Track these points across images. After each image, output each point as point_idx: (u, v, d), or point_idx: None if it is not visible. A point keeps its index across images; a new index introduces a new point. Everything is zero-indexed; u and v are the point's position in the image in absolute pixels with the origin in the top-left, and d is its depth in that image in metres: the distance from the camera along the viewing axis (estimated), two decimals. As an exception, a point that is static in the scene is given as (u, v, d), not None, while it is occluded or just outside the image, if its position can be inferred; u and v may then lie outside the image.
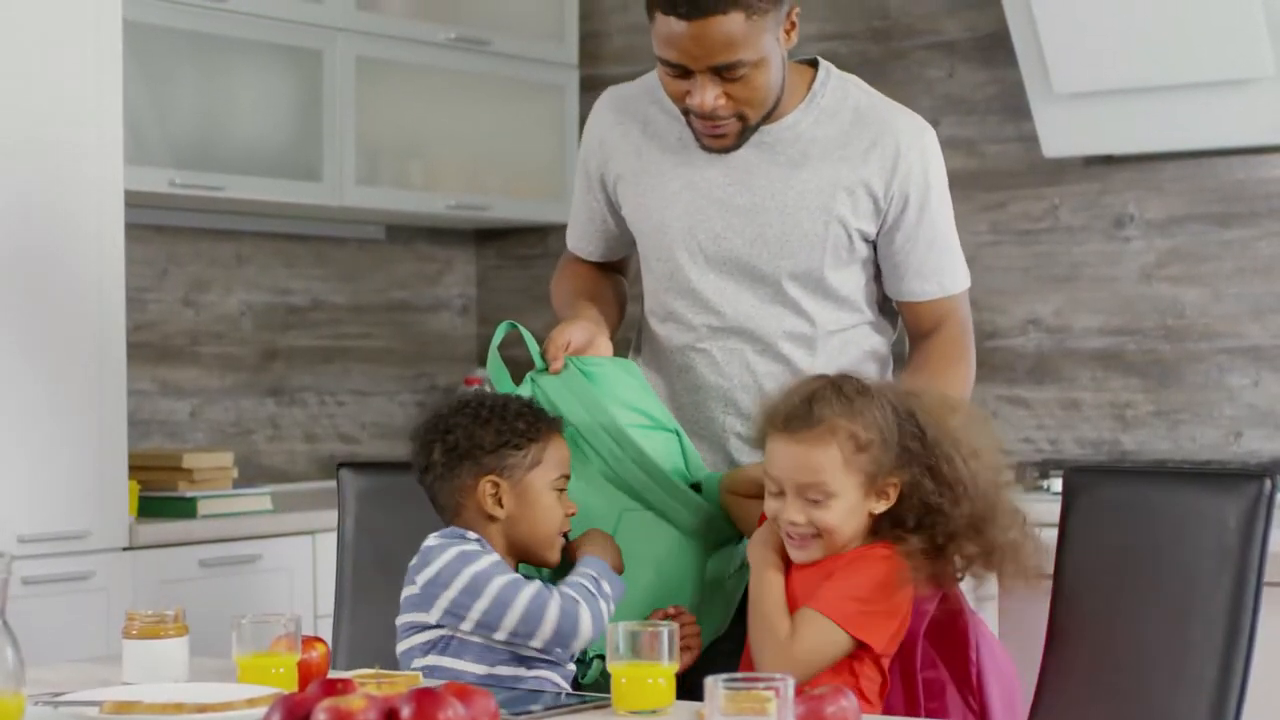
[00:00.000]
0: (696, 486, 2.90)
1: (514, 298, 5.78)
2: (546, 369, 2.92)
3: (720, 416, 3.01)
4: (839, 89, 3.00)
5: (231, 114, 4.78)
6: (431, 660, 2.69)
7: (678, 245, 3.00)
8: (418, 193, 5.20)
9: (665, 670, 2.35)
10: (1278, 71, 4.57)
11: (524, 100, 5.45)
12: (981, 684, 2.76)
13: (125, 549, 4.16)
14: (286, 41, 4.85)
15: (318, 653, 2.63)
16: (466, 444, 2.76)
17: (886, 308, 3.08)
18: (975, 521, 2.68)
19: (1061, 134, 4.92)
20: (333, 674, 2.59)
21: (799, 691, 2.12)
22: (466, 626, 2.67)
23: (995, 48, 5.14)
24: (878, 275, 3.04)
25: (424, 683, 2.39)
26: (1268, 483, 2.63)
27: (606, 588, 2.70)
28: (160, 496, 4.40)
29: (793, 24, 2.89)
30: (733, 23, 2.78)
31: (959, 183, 5.24)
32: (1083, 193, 5.07)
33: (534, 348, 2.95)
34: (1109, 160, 5.03)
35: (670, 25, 2.81)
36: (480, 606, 2.65)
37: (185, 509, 4.38)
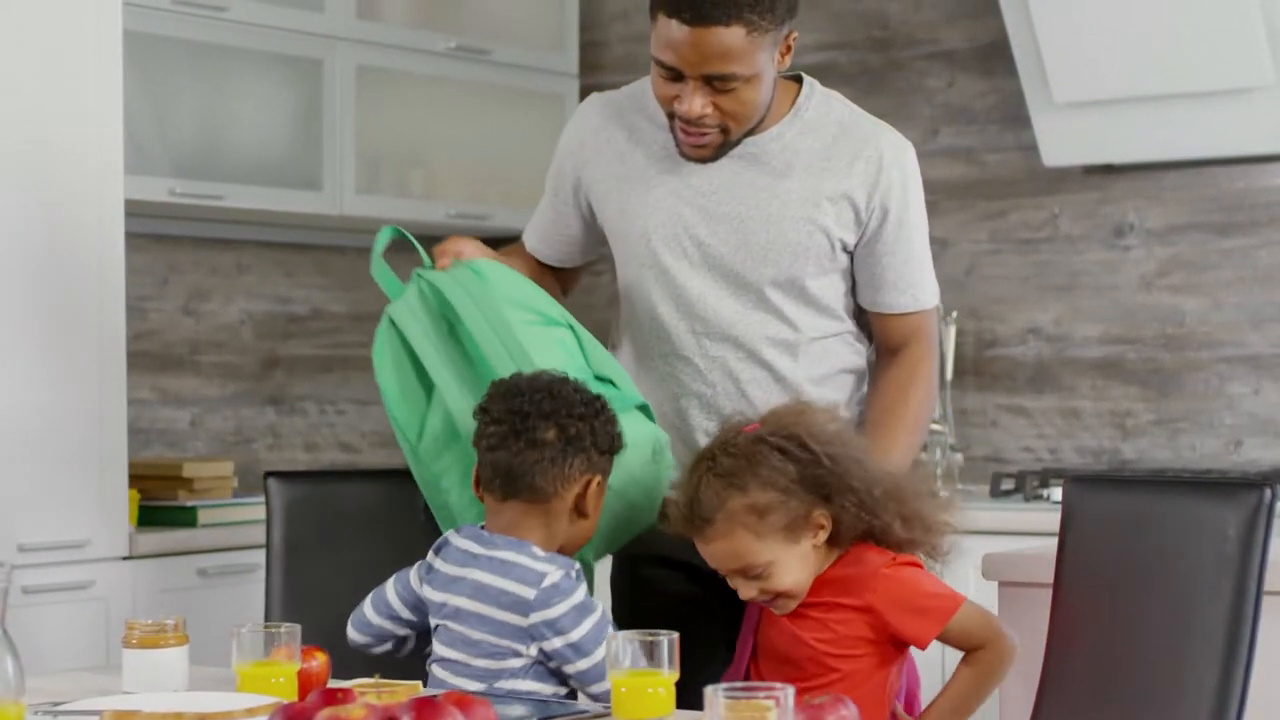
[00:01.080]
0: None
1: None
2: (433, 266, 2.96)
3: (704, 422, 3.03)
4: (823, 103, 3.06)
5: (232, 123, 4.78)
6: (529, 684, 2.70)
7: (663, 251, 3.02)
8: (418, 202, 5.21)
9: (665, 680, 2.35)
10: (1277, 80, 4.58)
11: (524, 109, 5.45)
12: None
13: (125, 558, 4.16)
14: (287, 50, 4.85)
15: (318, 662, 2.63)
16: (590, 437, 2.74)
17: (863, 319, 3.13)
18: (898, 508, 2.75)
19: (1061, 143, 4.92)
20: (332, 683, 2.59)
21: (798, 700, 2.12)
22: (554, 664, 2.70)
23: (995, 57, 5.15)
24: (854, 286, 3.08)
25: (424, 692, 2.39)
26: (1268, 492, 2.63)
27: None
28: (160, 505, 4.40)
29: (789, 47, 2.94)
30: (733, 35, 2.82)
31: (959, 192, 5.26)
32: (1083, 202, 5.08)
33: (420, 248, 2.99)
34: (1109, 169, 5.03)
35: (671, 29, 2.84)
36: (595, 659, 2.68)
37: (185, 518, 4.38)
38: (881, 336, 3.12)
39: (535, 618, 2.67)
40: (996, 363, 5.17)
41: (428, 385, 2.91)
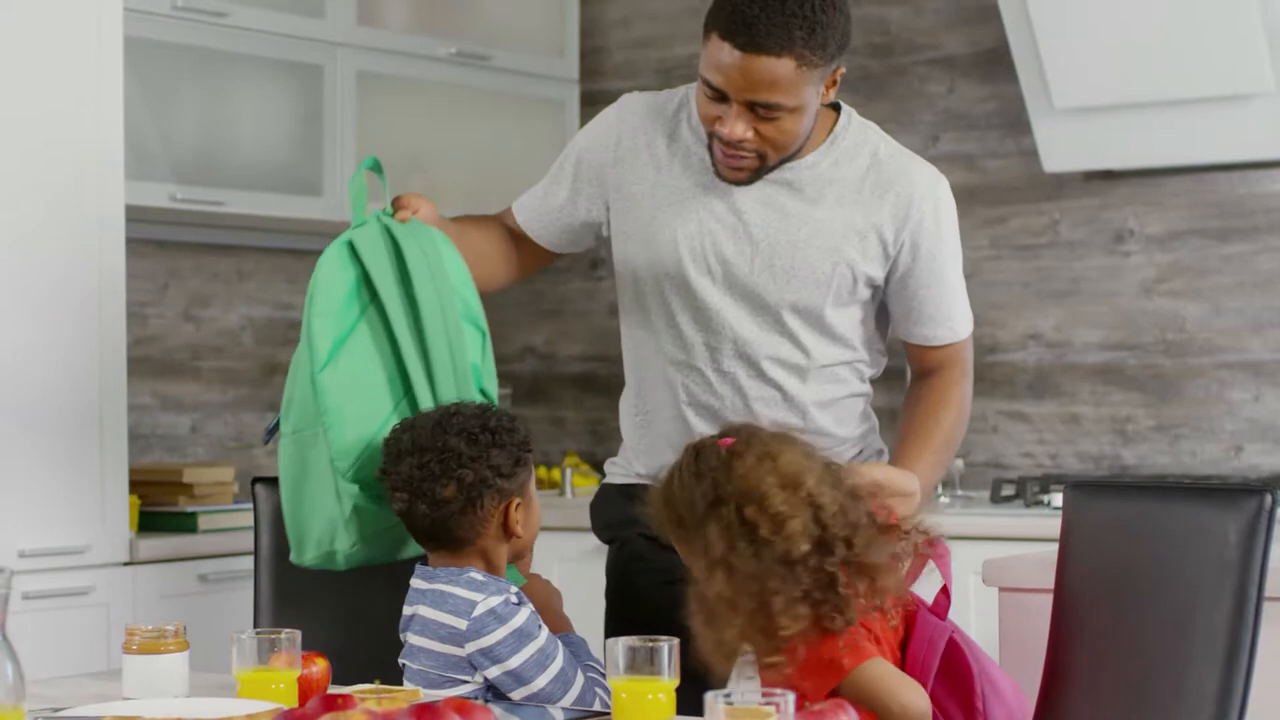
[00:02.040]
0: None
1: (515, 311, 5.78)
2: (393, 214, 2.97)
3: (707, 432, 3.02)
4: (859, 134, 3.05)
5: (232, 129, 4.78)
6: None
7: (688, 263, 3.03)
8: (418, 207, 5.20)
9: (665, 685, 2.35)
10: (1277, 87, 4.58)
11: (525, 115, 5.45)
12: (987, 717, 2.76)
13: (126, 564, 4.16)
14: (287, 56, 4.86)
15: (318, 668, 2.63)
16: (486, 473, 2.74)
17: (875, 345, 3.15)
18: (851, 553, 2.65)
19: (1062, 149, 4.92)
20: (333, 689, 2.59)
21: (799, 707, 2.12)
22: (505, 690, 2.71)
23: (995, 63, 5.15)
24: (876, 316, 3.11)
25: (424, 698, 2.39)
26: (1268, 497, 2.63)
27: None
28: (161, 511, 4.40)
29: (835, 80, 2.94)
30: (783, 66, 2.83)
31: (959, 197, 5.23)
32: (1083, 207, 5.08)
33: (387, 190, 3.00)
34: (1109, 175, 5.04)
35: (723, 51, 2.86)
36: (534, 689, 2.69)
37: (186, 524, 4.38)
38: (918, 363, 3.16)
39: (470, 647, 2.69)
40: (997, 368, 5.17)
41: (352, 322, 2.90)
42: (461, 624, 2.69)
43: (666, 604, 2.74)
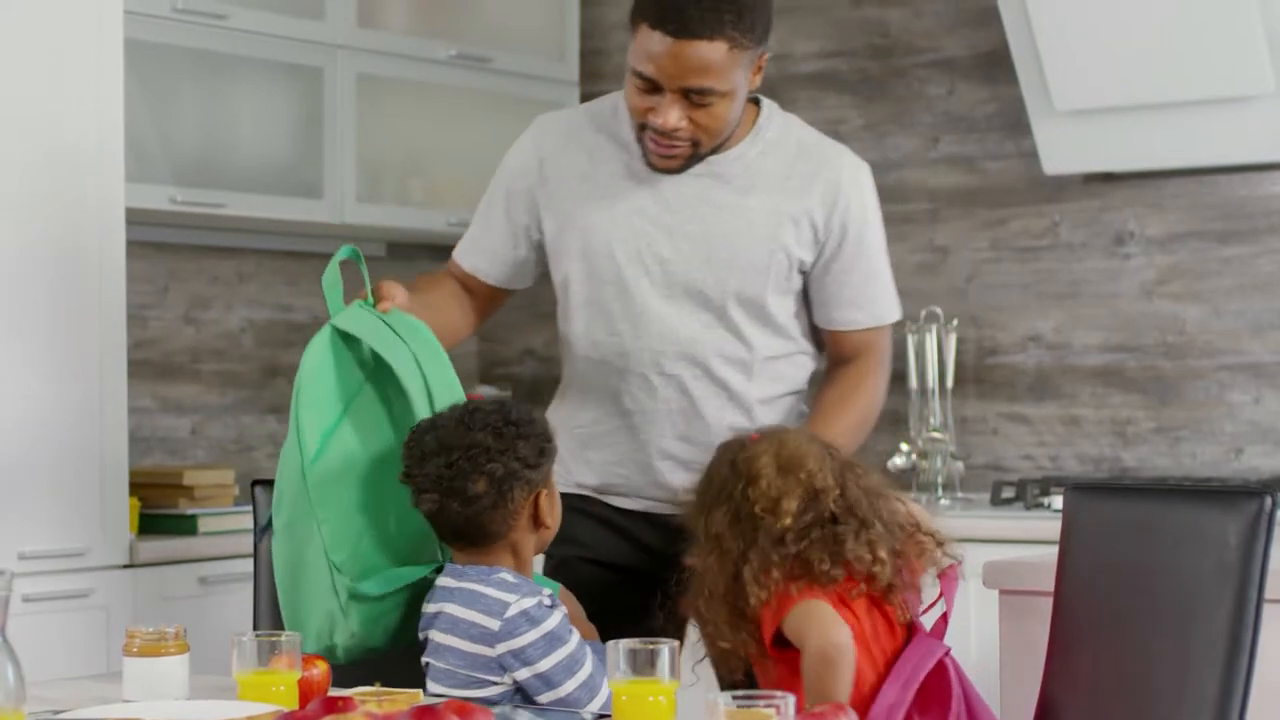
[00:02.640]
0: None
1: (514, 314, 5.78)
2: (375, 303, 2.94)
3: (655, 439, 3.09)
4: (782, 124, 3.12)
5: (232, 131, 4.78)
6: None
7: (626, 268, 3.06)
8: (419, 210, 5.21)
9: (666, 688, 2.35)
10: (1277, 89, 4.58)
11: (525, 117, 5.37)
12: None
13: (126, 566, 4.16)
14: (287, 59, 4.86)
15: (319, 670, 2.63)
16: (514, 466, 2.74)
17: (814, 338, 3.18)
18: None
19: (1062, 151, 4.92)
20: (333, 691, 2.59)
21: (799, 710, 2.12)
22: (533, 693, 2.70)
23: (995, 65, 5.15)
24: (810, 305, 3.14)
25: (424, 700, 2.39)
26: (1268, 500, 2.63)
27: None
28: (161, 514, 4.40)
29: (759, 67, 3.00)
30: (716, 50, 2.88)
31: (959, 200, 5.26)
32: (1083, 209, 5.08)
33: (368, 281, 2.95)
34: (1109, 177, 5.04)
35: (654, 41, 2.89)
36: (561, 693, 2.69)
37: (186, 526, 4.38)
38: (835, 350, 3.18)
39: (501, 648, 2.68)
40: (997, 371, 5.17)
41: (339, 412, 2.87)
42: (494, 624, 2.68)
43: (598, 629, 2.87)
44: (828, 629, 2.68)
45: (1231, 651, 2.59)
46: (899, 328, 5.20)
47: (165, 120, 4.62)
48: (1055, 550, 2.85)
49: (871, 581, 2.76)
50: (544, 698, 2.69)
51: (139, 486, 4.37)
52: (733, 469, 2.80)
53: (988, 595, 4.17)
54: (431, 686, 2.74)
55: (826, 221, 3.05)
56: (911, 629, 2.81)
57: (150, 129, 4.57)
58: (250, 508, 3.34)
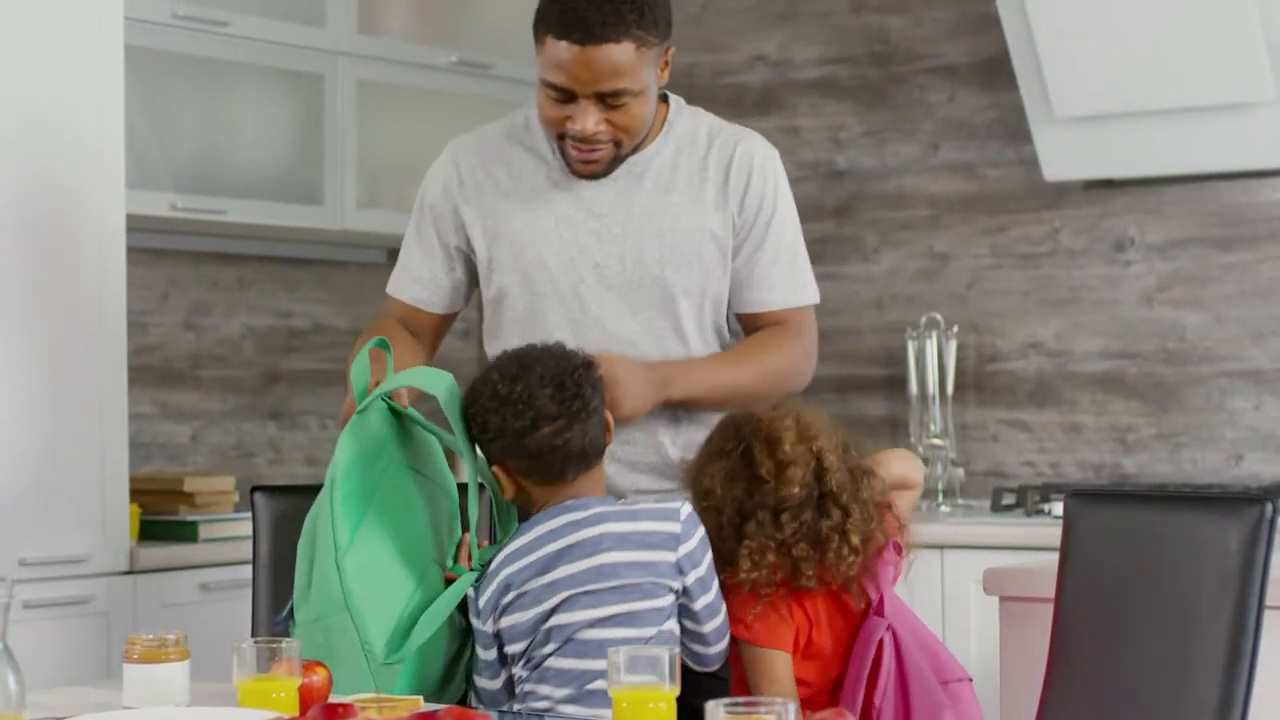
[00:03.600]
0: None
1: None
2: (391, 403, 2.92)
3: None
4: (691, 117, 3.14)
5: (233, 138, 4.78)
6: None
7: (561, 277, 3.08)
8: (419, 216, 5.20)
9: (666, 695, 2.35)
10: (1278, 95, 4.58)
11: (525, 124, 5.45)
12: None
13: (126, 573, 4.16)
14: (288, 65, 4.86)
15: (319, 676, 2.63)
16: (596, 379, 2.83)
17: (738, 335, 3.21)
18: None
19: (1062, 157, 4.93)
20: (333, 698, 2.59)
21: (802, 715, 2.11)
22: (693, 601, 2.75)
23: (996, 71, 5.15)
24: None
25: (424, 707, 2.39)
26: (1269, 506, 2.63)
27: None
28: (161, 520, 4.40)
29: (666, 62, 3.03)
30: (623, 51, 2.91)
31: (960, 206, 5.27)
32: (1083, 216, 5.08)
33: (391, 369, 2.92)
34: (1109, 184, 5.04)
35: (560, 50, 2.92)
36: (711, 597, 2.77)
37: (186, 532, 4.38)
38: (751, 330, 3.18)
39: (682, 550, 2.73)
40: (997, 377, 5.17)
41: (364, 504, 2.83)
42: (675, 527, 2.73)
43: None
44: (777, 687, 2.76)
45: (1232, 658, 2.59)
46: (899, 333, 5.20)
47: (166, 127, 4.62)
48: (1056, 557, 2.85)
49: (843, 585, 2.80)
50: (700, 603, 2.74)
51: (139, 493, 4.37)
52: (738, 431, 2.84)
53: (988, 602, 4.17)
54: (594, 613, 2.72)
55: (741, 203, 3.08)
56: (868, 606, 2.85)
57: (151, 135, 4.57)
58: (250, 514, 3.34)
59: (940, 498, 4.93)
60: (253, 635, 3.24)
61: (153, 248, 4.92)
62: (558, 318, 3.08)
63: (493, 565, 2.78)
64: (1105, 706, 2.72)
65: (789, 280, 3.14)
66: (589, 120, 2.95)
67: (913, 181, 5.28)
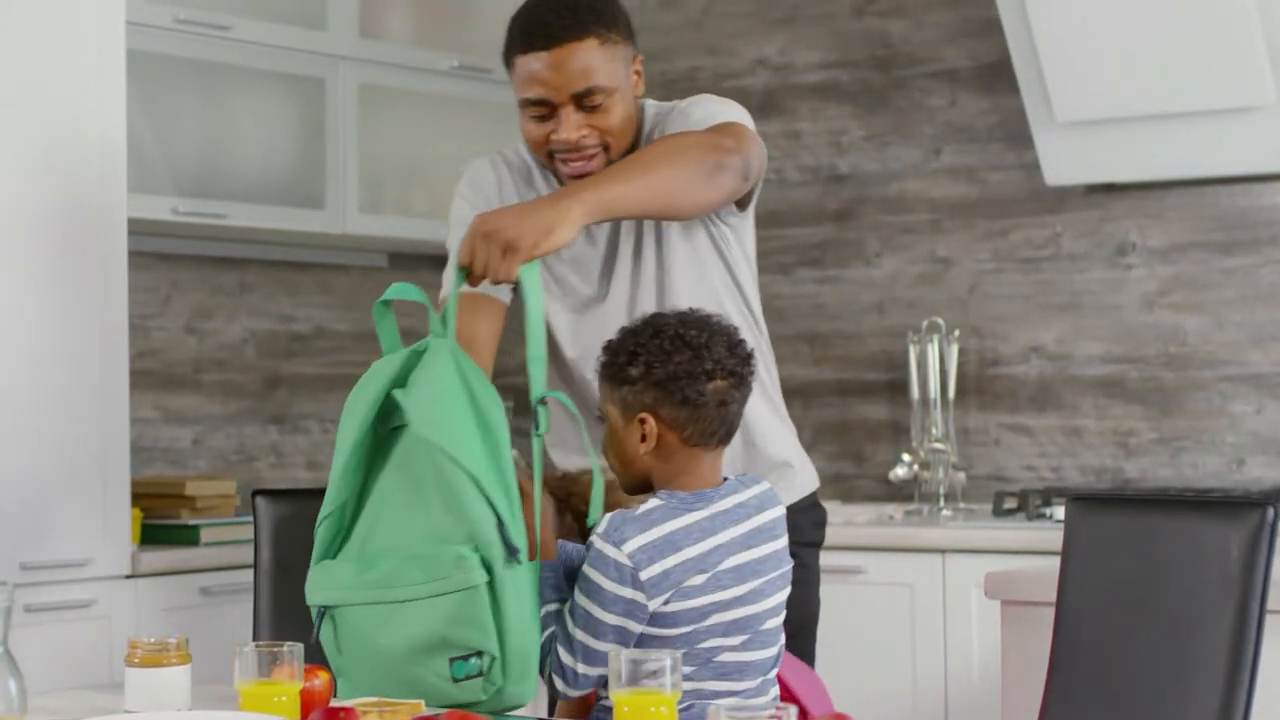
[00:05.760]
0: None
1: (518, 323, 5.78)
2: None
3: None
4: (655, 114, 3.11)
5: (234, 142, 4.78)
6: None
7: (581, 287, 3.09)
8: (420, 220, 5.21)
9: (667, 699, 2.35)
10: (1278, 99, 4.58)
11: (527, 128, 5.46)
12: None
13: (127, 576, 4.16)
14: (289, 69, 4.86)
15: (320, 681, 2.63)
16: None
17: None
18: None
19: (1063, 162, 4.93)
20: (335, 702, 2.59)
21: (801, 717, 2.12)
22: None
23: (997, 76, 5.15)
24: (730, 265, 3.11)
25: (426, 711, 2.39)
26: (1270, 511, 2.63)
27: None
28: (163, 524, 4.40)
29: (638, 71, 3.06)
30: (588, 49, 2.96)
31: (961, 211, 5.27)
32: (1085, 220, 5.08)
33: (434, 314, 2.79)
34: (1111, 188, 5.04)
35: (529, 63, 2.96)
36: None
37: (188, 536, 4.38)
38: None
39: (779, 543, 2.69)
40: (999, 381, 5.17)
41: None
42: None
43: None
44: None
45: (1233, 663, 2.59)
46: (901, 337, 5.20)
47: (167, 131, 4.62)
48: (1057, 561, 2.85)
49: None
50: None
51: (141, 497, 4.37)
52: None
53: (989, 606, 4.17)
54: (769, 603, 2.62)
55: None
56: None
57: (152, 139, 4.57)
58: (251, 518, 3.34)
59: (942, 502, 4.93)
60: (254, 639, 3.24)
61: (154, 251, 4.92)
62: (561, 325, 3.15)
63: (659, 535, 2.55)
64: (1107, 711, 2.72)
65: (709, 116, 3.02)
66: (571, 125, 2.97)
67: (914, 185, 5.29)
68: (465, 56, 5.27)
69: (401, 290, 2.73)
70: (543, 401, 2.70)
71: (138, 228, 4.45)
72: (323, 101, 4.94)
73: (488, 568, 2.52)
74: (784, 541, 2.67)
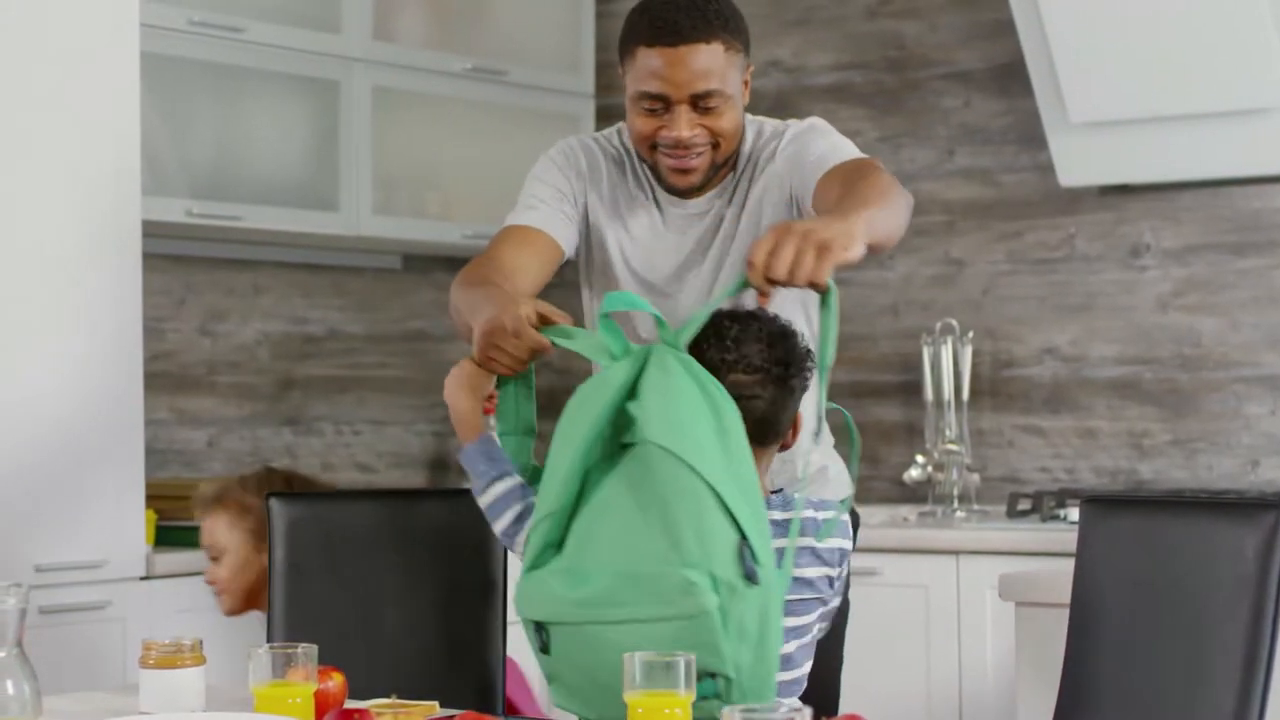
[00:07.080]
0: None
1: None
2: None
3: None
4: (756, 129, 3.10)
5: (248, 144, 4.79)
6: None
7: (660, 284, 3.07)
8: (434, 222, 5.21)
9: (681, 700, 2.34)
10: (1293, 100, 4.58)
11: (540, 130, 5.45)
12: None
13: (142, 578, 4.17)
14: (303, 72, 4.87)
15: (334, 682, 2.63)
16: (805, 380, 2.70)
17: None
18: None
19: (1077, 163, 4.92)
20: (349, 704, 2.59)
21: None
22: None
23: (1011, 77, 5.15)
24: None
25: (440, 713, 2.39)
26: (1285, 512, 2.63)
27: None
28: (177, 526, 4.41)
29: (747, 81, 3.04)
30: (714, 52, 2.94)
31: (975, 212, 5.26)
32: (1099, 222, 5.07)
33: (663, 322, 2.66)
34: (1125, 189, 5.03)
35: (653, 58, 2.95)
36: None
37: (202, 538, 4.38)
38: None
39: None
40: (1013, 383, 5.17)
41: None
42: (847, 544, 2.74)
43: None
44: None
45: (1248, 663, 2.58)
46: (915, 339, 5.20)
47: (181, 133, 4.63)
48: (1071, 562, 2.85)
49: None
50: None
51: (155, 498, 4.37)
52: None
53: (1004, 607, 4.17)
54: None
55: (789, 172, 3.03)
56: None
57: (166, 142, 4.58)
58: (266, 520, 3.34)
59: (956, 503, 4.93)
60: (269, 640, 3.25)
61: (169, 254, 4.93)
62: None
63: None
64: (1121, 712, 2.71)
65: (838, 149, 3.01)
66: (685, 125, 2.96)
67: (928, 187, 5.28)
68: (479, 59, 5.27)
69: (622, 300, 2.69)
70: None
71: (152, 230, 4.45)
72: (336, 103, 4.94)
73: (721, 587, 2.42)
74: (822, 571, 2.66)
